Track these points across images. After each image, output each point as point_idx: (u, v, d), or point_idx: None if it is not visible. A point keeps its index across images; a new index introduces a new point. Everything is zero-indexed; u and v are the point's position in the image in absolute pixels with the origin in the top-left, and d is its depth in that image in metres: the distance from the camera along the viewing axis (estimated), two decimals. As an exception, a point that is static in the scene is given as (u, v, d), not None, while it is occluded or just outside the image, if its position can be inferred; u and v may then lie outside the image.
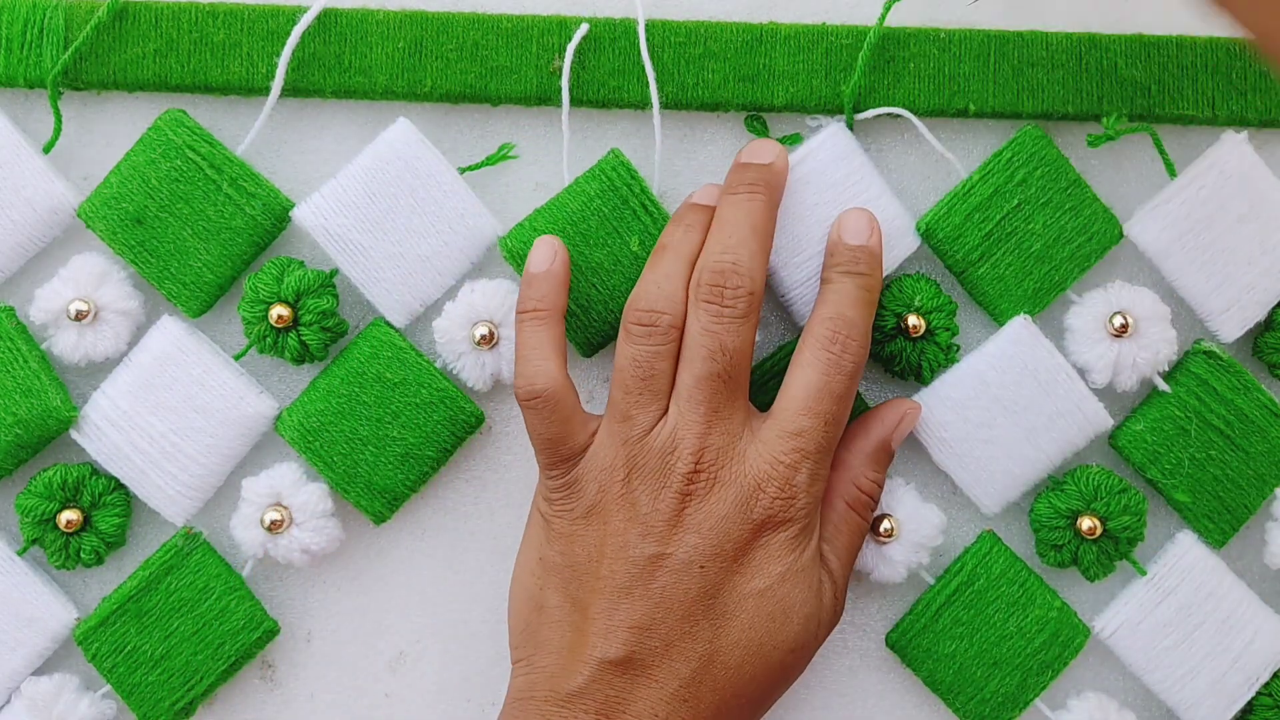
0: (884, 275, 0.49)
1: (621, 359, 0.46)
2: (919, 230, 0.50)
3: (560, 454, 0.46)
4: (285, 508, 0.49)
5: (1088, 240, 0.50)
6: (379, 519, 0.50)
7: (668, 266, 0.46)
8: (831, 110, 0.51)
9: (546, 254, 0.48)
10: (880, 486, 0.48)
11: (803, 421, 0.45)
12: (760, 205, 0.47)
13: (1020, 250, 0.49)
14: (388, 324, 0.50)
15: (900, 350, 0.50)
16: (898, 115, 0.50)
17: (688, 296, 0.46)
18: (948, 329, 0.50)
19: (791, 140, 0.51)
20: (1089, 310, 0.50)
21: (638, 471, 0.45)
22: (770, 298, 0.51)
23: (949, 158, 0.51)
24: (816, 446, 0.45)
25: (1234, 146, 0.50)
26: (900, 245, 0.50)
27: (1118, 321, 0.49)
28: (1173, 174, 0.51)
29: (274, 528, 0.49)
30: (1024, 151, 0.49)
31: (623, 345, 0.46)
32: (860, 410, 0.50)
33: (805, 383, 0.45)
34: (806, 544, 0.45)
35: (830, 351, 0.45)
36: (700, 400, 0.45)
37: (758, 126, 0.51)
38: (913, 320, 0.49)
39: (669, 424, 0.45)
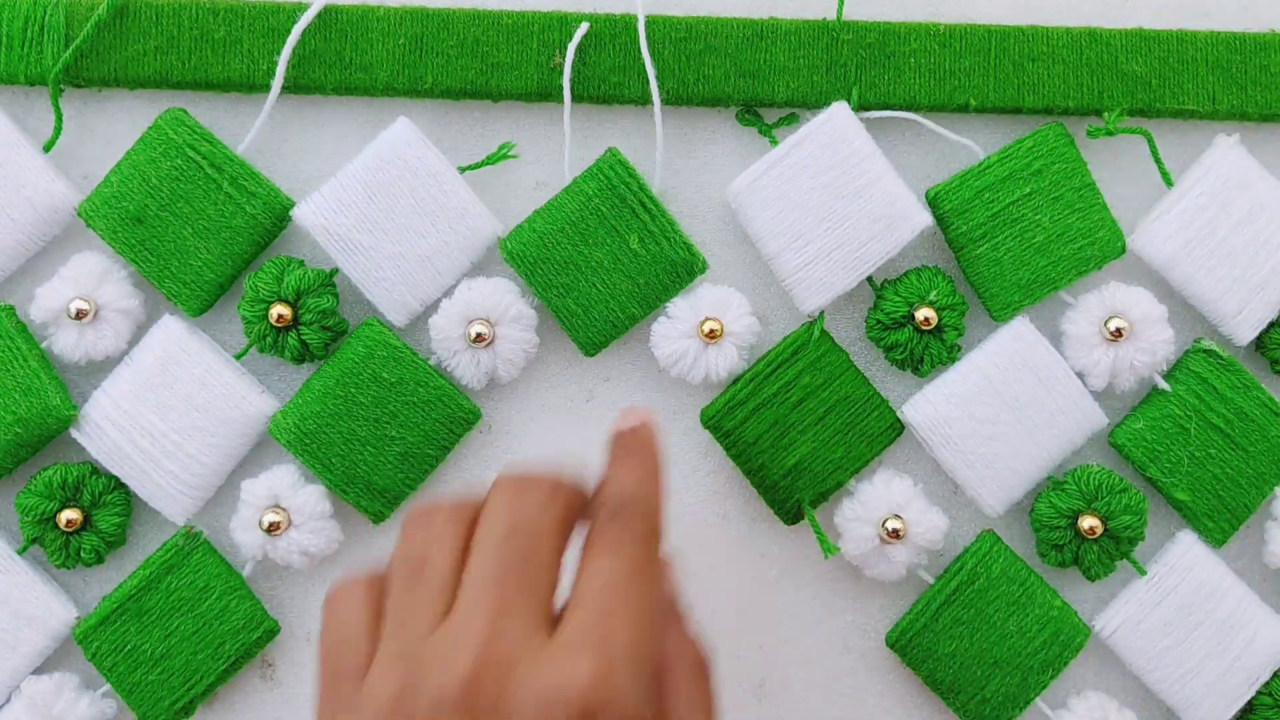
0: (890, 258, 0.49)
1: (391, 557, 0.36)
2: (928, 198, 0.50)
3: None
4: (284, 510, 0.49)
5: (1090, 244, 0.49)
6: (378, 519, 0.50)
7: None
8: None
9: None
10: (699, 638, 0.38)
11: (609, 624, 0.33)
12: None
13: (1023, 238, 0.49)
14: (380, 323, 0.50)
15: (905, 340, 0.49)
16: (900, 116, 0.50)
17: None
18: (956, 328, 0.50)
19: (789, 121, 0.51)
20: (1084, 315, 0.49)
21: (409, 691, 0.32)
22: (772, 285, 0.51)
23: (965, 143, 0.50)
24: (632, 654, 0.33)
25: (1227, 149, 0.50)
26: (904, 227, 0.49)
27: (1113, 326, 0.49)
28: (1169, 182, 0.50)
29: (272, 530, 0.49)
30: (1046, 144, 0.49)
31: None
32: None
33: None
34: None
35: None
36: (491, 585, 0.33)
37: (750, 119, 0.51)
38: (924, 314, 0.49)
39: (447, 628, 0.33)
